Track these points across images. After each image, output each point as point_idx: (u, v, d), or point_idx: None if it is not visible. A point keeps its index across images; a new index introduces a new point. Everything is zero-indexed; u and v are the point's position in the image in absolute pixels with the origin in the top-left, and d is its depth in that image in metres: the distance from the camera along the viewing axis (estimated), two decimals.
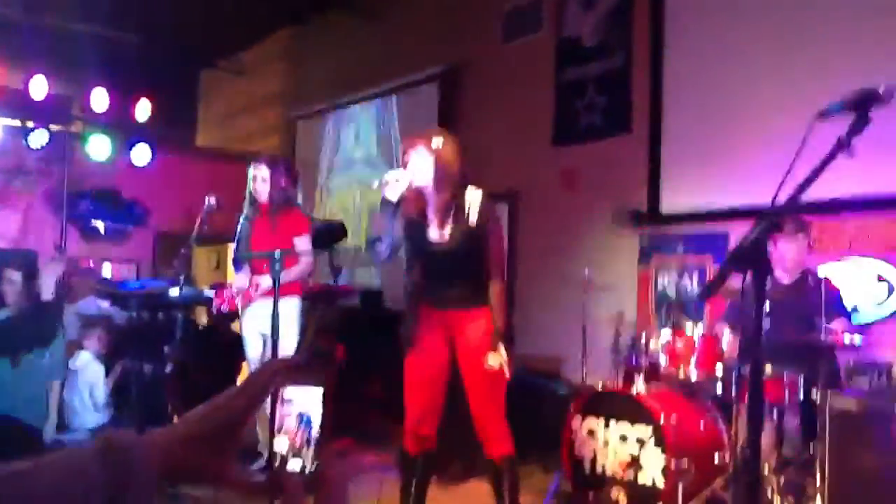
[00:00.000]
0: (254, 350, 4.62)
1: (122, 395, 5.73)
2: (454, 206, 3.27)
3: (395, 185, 3.19)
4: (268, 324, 4.39)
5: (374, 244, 3.35)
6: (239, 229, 4.73)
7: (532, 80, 6.23)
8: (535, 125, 6.10)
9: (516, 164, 6.21)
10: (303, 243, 4.52)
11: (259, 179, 4.51)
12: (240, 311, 4.71)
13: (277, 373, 0.79)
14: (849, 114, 1.62)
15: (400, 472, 3.50)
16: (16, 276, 4.98)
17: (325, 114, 8.68)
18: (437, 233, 3.30)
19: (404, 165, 3.26)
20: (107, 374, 5.78)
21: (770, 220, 1.58)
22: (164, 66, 8.67)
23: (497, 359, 3.20)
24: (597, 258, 5.20)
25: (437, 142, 3.25)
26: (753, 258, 1.59)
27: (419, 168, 3.22)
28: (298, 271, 4.51)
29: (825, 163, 1.55)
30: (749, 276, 1.63)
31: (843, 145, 1.57)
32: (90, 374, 5.65)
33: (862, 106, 1.60)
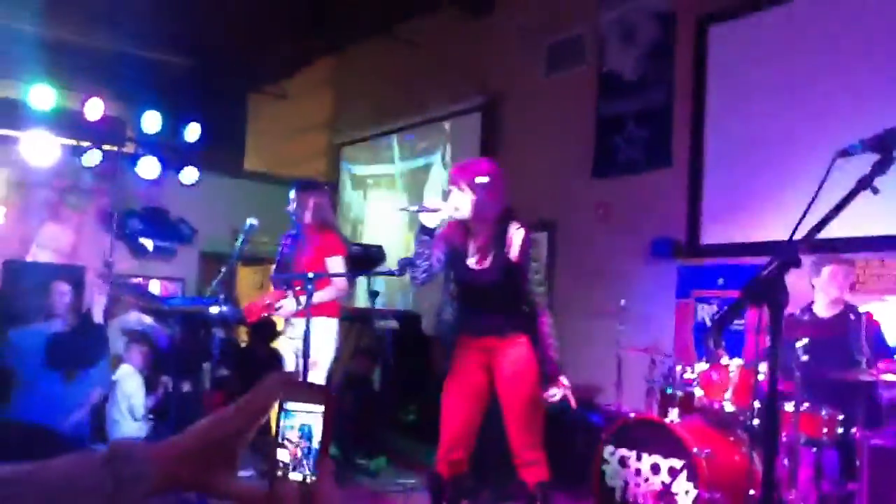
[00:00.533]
0: (288, 363, 4.68)
1: (162, 410, 5.85)
2: (495, 240, 3.31)
3: (435, 214, 3.23)
4: (299, 344, 4.49)
5: (408, 267, 3.39)
6: (280, 250, 4.83)
7: (573, 113, 6.28)
8: (575, 157, 6.13)
9: (555, 194, 6.25)
10: (335, 265, 4.58)
11: (292, 203, 4.64)
12: (284, 329, 4.78)
13: (279, 387, 0.80)
14: (872, 154, 1.61)
15: (431, 495, 3.52)
16: (65, 288, 5.15)
17: (368, 140, 8.82)
18: (477, 262, 3.35)
19: (446, 196, 3.30)
20: (148, 389, 5.91)
21: (786, 254, 1.56)
22: (213, 91, 8.92)
23: (559, 392, 3.23)
24: (634, 289, 5.20)
25: (482, 180, 3.28)
26: (768, 292, 1.54)
27: (460, 204, 3.25)
28: (328, 294, 4.55)
29: (846, 201, 1.55)
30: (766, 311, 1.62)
31: (865, 184, 1.56)
32: (129, 386, 5.77)
33: (884, 147, 1.59)
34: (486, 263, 3.33)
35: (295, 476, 0.77)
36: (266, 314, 4.64)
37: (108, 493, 0.71)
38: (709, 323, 5.09)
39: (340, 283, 4.66)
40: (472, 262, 3.36)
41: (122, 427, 5.78)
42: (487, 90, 7.15)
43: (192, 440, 0.79)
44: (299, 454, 0.77)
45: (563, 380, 3.27)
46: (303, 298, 4.33)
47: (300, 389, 0.80)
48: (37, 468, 0.71)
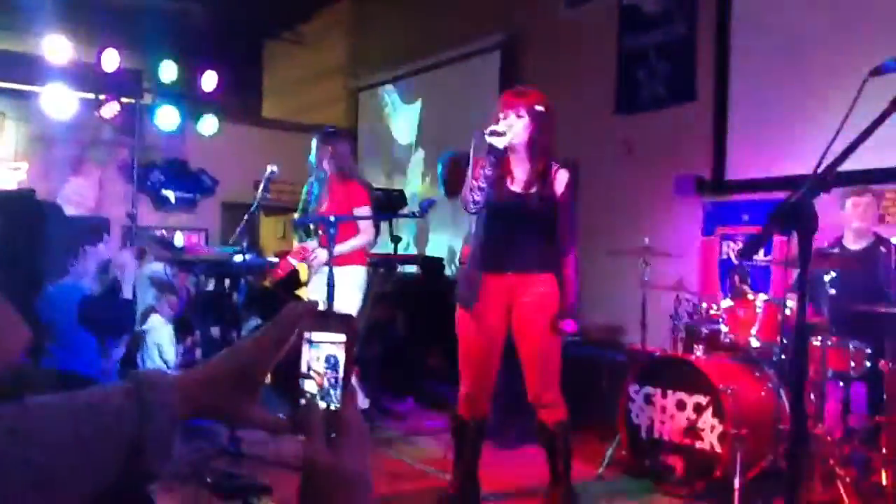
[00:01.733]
0: None
1: (191, 360, 5.95)
2: (539, 175, 3.26)
3: (502, 137, 3.14)
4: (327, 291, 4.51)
5: (472, 192, 3.24)
6: (303, 197, 4.83)
7: (593, 49, 6.14)
8: (597, 93, 6.01)
9: (578, 132, 6.13)
10: (362, 213, 4.58)
11: (314, 150, 4.61)
12: (309, 278, 4.79)
13: (303, 316, 0.80)
14: None
15: (453, 438, 3.55)
16: (99, 251, 5.18)
17: (386, 84, 8.72)
18: (521, 187, 3.29)
19: (497, 121, 3.22)
20: (177, 339, 6.00)
21: (816, 179, 1.51)
22: (229, 38, 8.83)
23: (563, 328, 3.22)
24: (658, 227, 5.14)
25: (540, 108, 3.22)
26: (797, 218, 1.47)
27: (516, 130, 3.19)
28: (358, 241, 4.57)
29: (876, 123, 1.47)
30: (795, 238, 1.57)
31: None
32: (158, 334, 5.86)
33: None
34: (532, 190, 3.28)
35: (321, 405, 0.77)
36: (295, 267, 4.64)
37: (135, 419, 0.72)
38: (734, 259, 5.04)
39: (369, 230, 4.67)
40: (515, 187, 3.31)
41: None
42: (506, 28, 7.00)
43: (215, 369, 0.79)
44: (325, 384, 0.77)
45: (572, 324, 3.25)
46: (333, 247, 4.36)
47: (323, 319, 0.79)
48: (65, 398, 0.72)
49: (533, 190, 3.27)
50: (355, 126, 9.10)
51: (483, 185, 3.18)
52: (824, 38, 4.69)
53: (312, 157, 4.63)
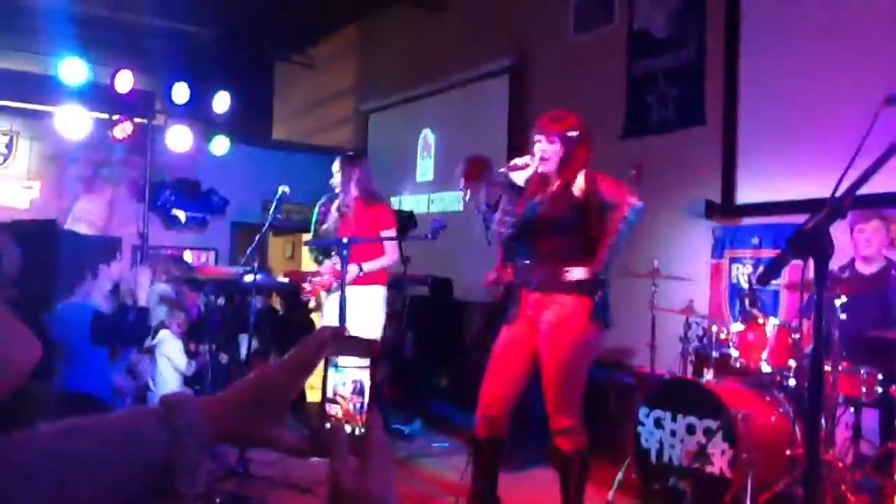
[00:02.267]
0: None
1: (201, 378, 5.95)
2: (564, 187, 3.26)
3: (524, 171, 3.17)
4: (348, 311, 4.52)
5: (489, 224, 3.29)
6: (315, 218, 4.85)
7: (602, 73, 6.18)
8: (605, 118, 6.03)
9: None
10: (389, 236, 4.63)
11: (335, 173, 4.66)
12: (322, 298, 4.80)
13: (329, 341, 0.81)
14: None
15: (471, 458, 3.52)
16: (112, 270, 5.22)
17: (395, 107, 8.78)
18: (543, 201, 3.30)
19: (532, 146, 3.24)
20: (187, 357, 6.01)
21: (832, 206, 1.52)
22: (240, 61, 8.92)
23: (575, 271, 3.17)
24: (668, 249, 5.15)
25: (573, 133, 3.24)
26: (814, 244, 1.48)
27: (548, 155, 3.21)
28: (383, 262, 4.62)
29: (890, 152, 1.49)
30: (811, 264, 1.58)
31: None
32: (169, 349, 5.87)
33: None
34: (552, 201, 3.27)
35: (347, 429, 0.77)
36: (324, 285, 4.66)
37: (165, 442, 0.73)
38: (744, 283, 5.03)
39: (394, 251, 4.73)
40: (537, 200, 3.31)
41: (160, 390, 5.90)
42: (515, 52, 7.06)
43: (242, 393, 0.80)
44: (352, 409, 0.78)
45: (581, 273, 3.17)
46: (362, 265, 4.40)
47: (349, 343, 0.80)
48: (96, 421, 0.74)
49: (554, 198, 3.27)
50: (364, 148, 9.15)
51: (507, 219, 3.21)
52: (835, 62, 4.71)
53: (335, 180, 4.65)
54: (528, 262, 3.31)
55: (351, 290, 4.54)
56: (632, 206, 3.21)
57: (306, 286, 4.68)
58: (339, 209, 4.73)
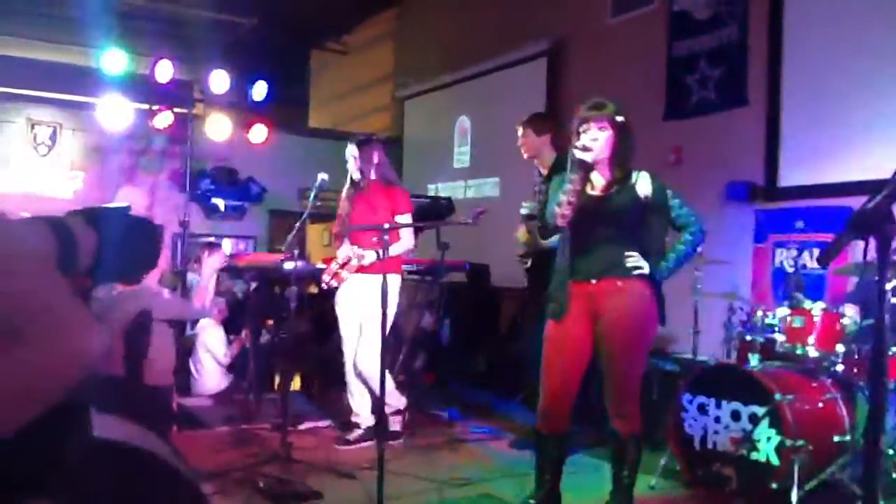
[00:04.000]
0: (346, 326, 4.72)
1: (241, 363, 6.03)
2: (621, 178, 3.22)
3: (591, 152, 3.12)
4: (364, 298, 4.53)
5: (549, 208, 3.24)
6: (338, 207, 4.86)
7: (641, 55, 6.09)
8: (645, 100, 5.95)
9: None
10: (404, 221, 4.60)
11: (350, 158, 4.64)
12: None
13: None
14: None
15: (535, 452, 3.51)
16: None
17: (432, 93, 8.76)
18: (602, 191, 3.25)
19: (578, 135, 3.19)
20: (229, 342, 6.09)
21: (894, 185, 1.47)
22: (277, 49, 8.96)
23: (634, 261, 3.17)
24: (710, 234, 5.05)
25: (621, 119, 3.19)
26: (876, 223, 1.45)
27: (601, 141, 3.17)
28: (400, 247, 4.60)
29: None
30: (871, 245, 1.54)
31: None
32: (210, 338, 5.96)
33: None
34: (610, 192, 3.23)
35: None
36: (344, 270, 4.66)
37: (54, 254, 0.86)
38: (789, 268, 4.94)
39: (410, 237, 4.69)
40: (595, 192, 3.26)
41: (204, 379, 6.00)
42: (552, 36, 6.99)
43: None
44: None
45: (643, 266, 3.18)
46: (381, 251, 4.38)
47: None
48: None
49: (611, 191, 3.23)
50: (401, 135, 9.16)
51: (573, 200, 3.17)
52: (882, 40, 4.59)
53: (351, 165, 4.64)
54: (581, 250, 3.26)
55: (365, 279, 4.55)
56: (704, 233, 3.34)
57: (325, 277, 4.68)
58: (352, 193, 4.70)
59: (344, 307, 4.73)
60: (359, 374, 4.66)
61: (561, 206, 3.16)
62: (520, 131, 4.70)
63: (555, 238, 3.31)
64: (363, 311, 4.56)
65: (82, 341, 1.00)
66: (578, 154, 3.12)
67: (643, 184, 3.23)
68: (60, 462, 1.12)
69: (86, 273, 1.33)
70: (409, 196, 4.82)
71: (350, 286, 4.64)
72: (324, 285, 4.76)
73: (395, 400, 4.75)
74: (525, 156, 4.74)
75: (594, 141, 3.15)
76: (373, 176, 4.65)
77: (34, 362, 0.94)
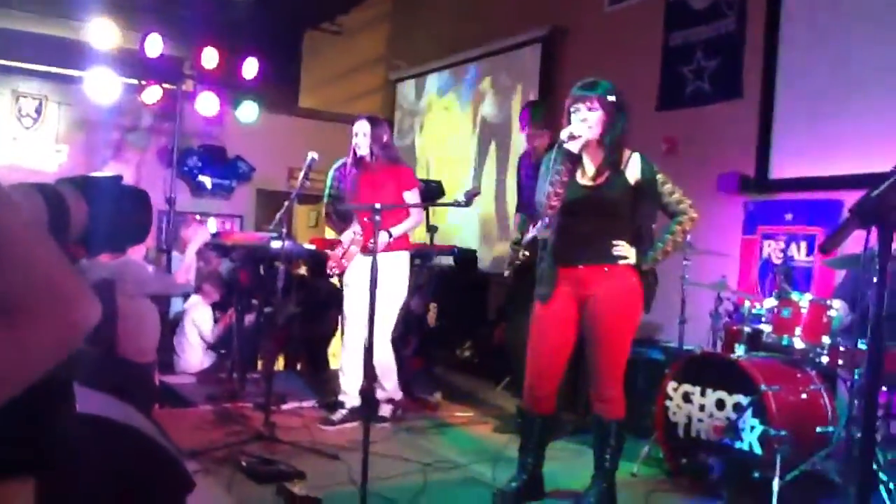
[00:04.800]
0: (354, 302, 4.68)
1: (226, 343, 6.00)
2: (611, 163, 3.20)
3: (578, 140, 3.11)
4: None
5: (536, 200, 3.25)
6: (330, 184, 4.80)
7: (637, 44, 6.06)
8: (639, 90, 5.91)
9: None
10: (412, 198, 4.60)
11: (360, 134, 4.59)
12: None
13: None
14: None
15: (519, 431, 3.52)
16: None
17: (424, 76, 8.70)
18: (591, 179, 3.24)
19: (569, 115, 3.18)
20: (214, 322, 6.06)
21: None
22: (269, 28, 8.86)
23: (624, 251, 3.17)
24: (700, 224, 5.05)
25: (612, 98, 3.17)
26: (879, 213, 1.43)
27: (590, 123, 3.14)
28: (408, 225, 4.60)
29: None
30: (873, 235, 1.53)
31: None
32: (198, 315, 5.92)
33: None
34: (601, 181, 3.22)
35: None
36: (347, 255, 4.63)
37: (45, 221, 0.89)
38: (776, 259, 4.96)
39: (419, 213, 4.71)
40: (584, 180, 3.25)
41: (187, 356, 5.96)
42: (549, 21, 6.95)
43: None
44: None
45: (629, 257, 3.17)
46: (391, 231, 4.38)
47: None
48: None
49: (602, 180, 3.22)
50: (392, 117, 9.10)
51: (560, 191, 3.16)
52: (875, 37, 4.59)
53: (359, 141, 4.59)
54: (570, 236, 3.26)
55: (369, 256, 4.51)
56: (693, 220, 3.30)
57: (332, 263, 4.65)
58: (356, 171, 4.67)
59: (353, 286, 4.67)
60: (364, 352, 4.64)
61: (548, 198, 3.16)
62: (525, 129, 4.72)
63: (545, 234, 3.32)
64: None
65: (79, 311, 0.96)
66: (565, 144, 3.10)
67: (633, 167, 3.22)
68: (45, 438, 1.09)
69: (76, 242, 1.29)
70: (414, 173, 4.80)
71: (360, 266, 4.59)
72: (330, 271, 4.72)
73: (393, 391, 4.75)
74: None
75: (583, 122, 3.13)
76: (379, 154, 4.61)
77: (29, 334, 0.90)
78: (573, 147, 3.10)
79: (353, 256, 4.63)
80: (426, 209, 5.37)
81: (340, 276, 4.72)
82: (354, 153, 4.64)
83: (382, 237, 4.39)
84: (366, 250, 4.55)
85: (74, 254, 1.34)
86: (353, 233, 4.63)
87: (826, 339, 3.64)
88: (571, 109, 3.17)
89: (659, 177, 3.28)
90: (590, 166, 3.26)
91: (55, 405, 1.12)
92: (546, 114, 4.77)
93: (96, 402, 1.78)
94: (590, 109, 3.15)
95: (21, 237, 0.91)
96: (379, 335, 4.48)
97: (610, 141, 3.19)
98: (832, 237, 1.51)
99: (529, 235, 4.53)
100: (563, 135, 3.11)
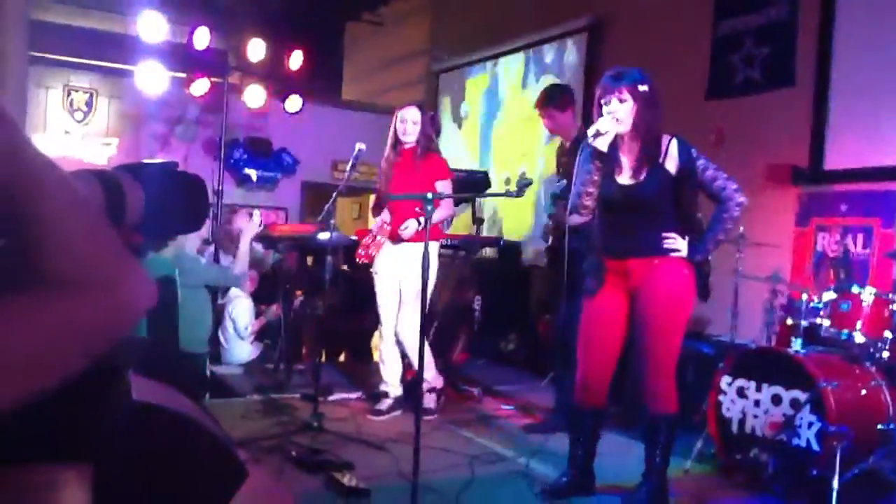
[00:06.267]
0: (384, 291, 4.68)
1: (271, 334, 6.04)
2: (649, 155, 3.10)
3: (605, 136, 3.03)
4: (404, 267, 4.49)
5: (570, 200, 3.18)
6: (378, 180, 4.80)
7: (685, 33, 5.95)
8: (688, 79, 5.82)
9: (667, 119, 5.96)
10: (445, 187, 4.55)
11: (409, 122, 4.55)
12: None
13: None
14: None
15: (570, 426, 3.48)
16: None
17: (467, 67, 8.66)
18: (631, 178, 3.16)
19: (599, 108, 3.10)
20: (258, 314, 6.09)
21: None
22: (313, 19, 8.89)
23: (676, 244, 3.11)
24: (751, 216, 4.95)
25: (644, 88, 3.07)
26: None
27: (620, 115, 3.05)
28: (440, 215, 4.55)
29: None
30: None
31: None
32: (238, 308, 5.96)
33: None
34: (641, 178, 3.13)
35: None
36: (376, 245, 4.62)
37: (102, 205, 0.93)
38: (830, 252, 4.83)
39: (450, 205, 4.65)
40: (623, 178, 3.17)
41: (232, 349, 6.02)
42: (593, 11, 6.85)
43: None
44: None
45: (681, 249, 3.10)
46: (421, 220, 4.34)
47: None
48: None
49: (643, 177, 3.12)
50: (435, 108, 9.07)
51: (592, 190, 3.10)
52: None
53: (408, 128, 4.56)
54: (616, 230, 3.20)
55: (403, 248, 4.51)
56: (741, 205, 3.15)
57: (360, 251, 4.65)
58: (394, 159, 4.64)
59: (383, 276, 4.67)
60: (398, 343, 4.64)
61: (581, 198, 3.11)
62: (540, 112, 4.58)
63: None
64: (403, 280, 4.53)
65: (131, 292, 0.94)
66: (592, 142, 3.03)
67: (672, 156, 3.12)
68: (101, 425, 1.09)
69: (133, 228, 1.29)
70: (447, 163, 4.76)
71: (389, 255, 4.60)
72: (358, 259, 4.72)
73: (433, 378, 4.73)
74: (549, 133, 4.68)
75: (611, 115, 3.05)
76: (423, 143, 4.59)
77: (84, 313, 0.89)
78: (600, 145, 3.02)
79: (381, 245, 4.62)
80: (471, 200, 5.33)
81: (370, 265, 4.72)
82: (395, 140, 4.62)
83: (412, 225, 4.36)
84: (394, 239, 4.54)
85: (131, 240, 1.33)
86: (381, 221, 4.62)
87: (888, 334, 3.53)
88: (602, 101, 3.09)
89: (700, 163, 3.15)
90: (626, 162, 3.17)
91: (112, 393, 1.11)
92: (564, 95, 4.63)
93: (153, 390, 1.79)
94: (620, 101, 3.05)
95: (75, 216, 0.90)
96: (406, 321, 4.48)
97: (645, 132, 3.09)
98: None
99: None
100: (590, 132, 3.04)
